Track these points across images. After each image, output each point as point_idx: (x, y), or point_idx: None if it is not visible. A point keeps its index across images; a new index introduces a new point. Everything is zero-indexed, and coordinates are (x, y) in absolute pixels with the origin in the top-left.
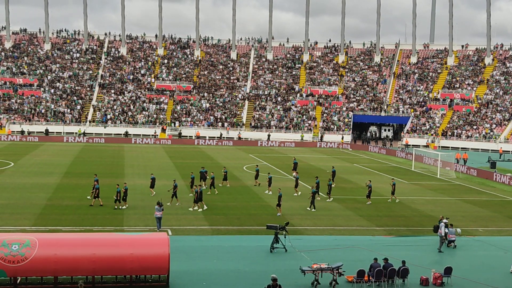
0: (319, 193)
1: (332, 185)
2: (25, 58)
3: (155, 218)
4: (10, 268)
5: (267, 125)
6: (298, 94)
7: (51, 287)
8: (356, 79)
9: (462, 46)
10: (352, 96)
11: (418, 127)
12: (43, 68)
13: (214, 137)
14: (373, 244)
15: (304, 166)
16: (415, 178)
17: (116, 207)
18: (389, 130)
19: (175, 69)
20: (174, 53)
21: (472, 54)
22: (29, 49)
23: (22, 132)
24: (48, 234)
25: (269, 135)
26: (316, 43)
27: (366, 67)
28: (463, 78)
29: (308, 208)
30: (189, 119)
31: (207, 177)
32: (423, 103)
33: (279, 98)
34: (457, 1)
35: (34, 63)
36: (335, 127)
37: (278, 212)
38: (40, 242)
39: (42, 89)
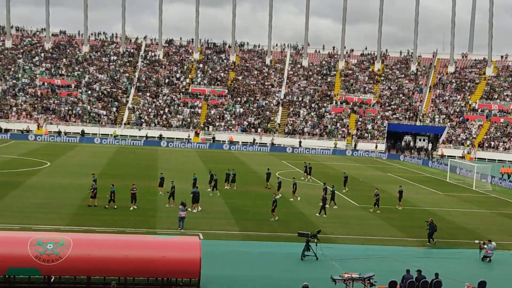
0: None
1: (344, 190)
2: (64, 59)
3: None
4: (45, 266)
5: (301, 131)
6: (334, 102)
7: (84, 287)
8: (391, 87)
9: (502, 57)
10: (387, 104)
11: (454, 138)
12: (80, 69)
13: (247, 142)
14: (406, 255)
15: (336, 174)
16: (450, 189)
17: (107, 206)
18: (424, 140)
19: (210, 73)
20: (210, 58)
21: (511, 65)
22: (68, 50)
23: (59, 132)
24: (82, 234)
25: (300, 142)
26: (352, 50)
27: (402, 75)
28: (501, 89)
29: (318, 214)
30: (222, 123)
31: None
32: (459, 114)
33: (313, 105)
34: (498, 11)
35: (72, 64)
36: (369, 135)
37: (272, 217)
38: (74, 242)
39: (79, 90)
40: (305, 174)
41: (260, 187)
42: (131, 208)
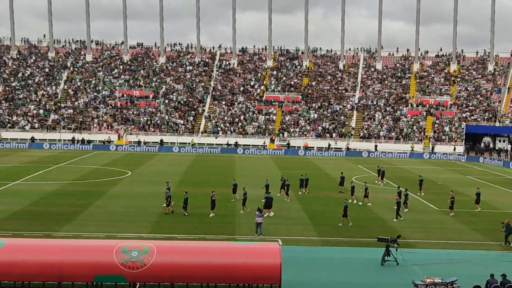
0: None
1: (422, 194)
2: (142, 71)
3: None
4: (130, 274)
5: (376, 135)
6: (409, 104)
7: None
8: (468, 88)
9: None
10: (464, 106)
11: None
12: (158, 80)
13: (322, 147)
14: (489, 259)
15: (413, 177)
16: None
17: (186, 213)
18: (504, 141)
19: (283, 80)
20: (283, 64)
21: None
22: (145, 62)
23: (139, 142)
24: (165, 242)
25: (376, 146)
26: (427, 52)
27: (480, 76)
28: None
29: (395, 220)
30: (297, 129)
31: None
32: None
33: (388, 108)
34: None
35: (149, 75)
36: (447, 137)
37: (340, 222)
38: (157, 249)
39: (157, 100)
40: (379, 178)
41: (336, 192)
42: (211, 215)
